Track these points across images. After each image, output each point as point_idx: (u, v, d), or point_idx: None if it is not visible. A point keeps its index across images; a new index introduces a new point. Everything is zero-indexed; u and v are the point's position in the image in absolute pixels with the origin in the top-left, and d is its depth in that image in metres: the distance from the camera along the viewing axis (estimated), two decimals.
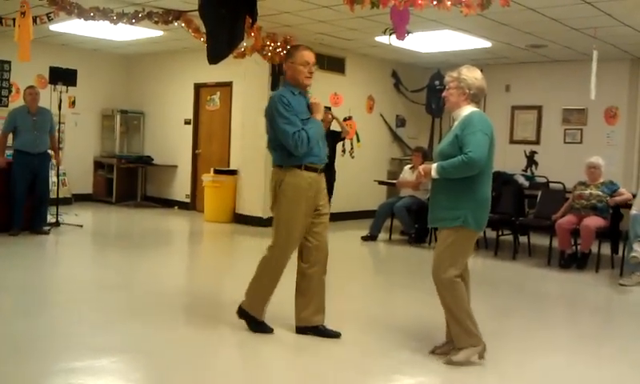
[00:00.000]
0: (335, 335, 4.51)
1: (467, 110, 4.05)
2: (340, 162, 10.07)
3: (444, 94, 4.20)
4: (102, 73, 12.57)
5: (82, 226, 9.14)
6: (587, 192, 7.63)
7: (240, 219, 10.45)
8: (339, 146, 10.18)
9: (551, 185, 9.67)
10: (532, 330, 5.17)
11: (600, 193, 7.57)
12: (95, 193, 12.66)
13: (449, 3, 5.50)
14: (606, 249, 7.89)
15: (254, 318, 4.51)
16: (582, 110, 10.86)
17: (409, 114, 12.65)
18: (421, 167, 4.19)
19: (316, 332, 4.49)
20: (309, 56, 4.36)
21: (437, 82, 11.81)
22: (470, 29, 8.80)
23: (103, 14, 7.92)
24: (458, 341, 4.06)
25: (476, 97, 4.10)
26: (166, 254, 8.22)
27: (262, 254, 4.47)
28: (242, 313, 4.56)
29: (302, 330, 4.48)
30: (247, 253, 8.60)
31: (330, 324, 4.59)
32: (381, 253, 8.92)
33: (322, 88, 10.82)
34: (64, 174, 11.36)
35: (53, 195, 9.19)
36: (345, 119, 10.77)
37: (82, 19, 7.87)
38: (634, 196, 7.63)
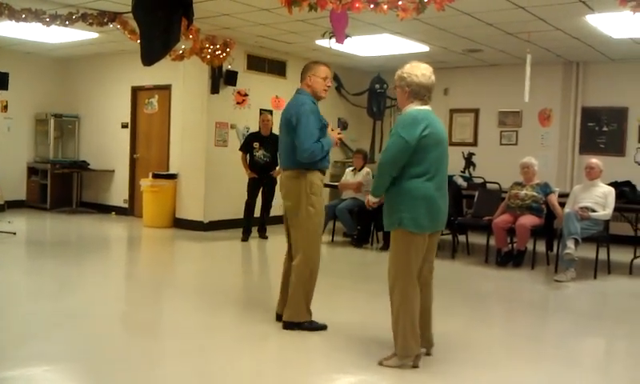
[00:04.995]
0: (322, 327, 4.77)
1: (407, 109, 4.00)
2: None
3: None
4: (36, 76, 12.19)
5: (15, 233, 8.84)
6: (523, 192, 7.83)
7: (180, 224, 10.31)
8: None
9: (488, 185, 9.89)
10: (471, 328, 5.26)
11: (535, 194, 7.77)
12: (29, 199, 12.27)
13: (385, 7, 5.52)
14: (541, 246, 8.13)
15: (303, 323, 4.69)
16: (517, 112, 11.16)
17: (350, 117, 12.74)
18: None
19: (301, 327, 4.71)
20: (327, 71, 4.75)
21: (377, 86, 12.00)
22: (408, 33, 8.93)
23: (35, 15, 7.67)
24: (395, 345, 4.05)
25: (418, 94, 3.98)
26: (103, 261, 8.02)
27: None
28: (289, 325, 4.69)
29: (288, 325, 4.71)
30: (188, 258, 8.48)
31: (273, 326, 4.57)
32: (323, 255, 8.89)
33: (263, 91, 10.81)
34: None
35: None
36: None
37: (14, 21, 7.62)
38: (567, 195, 7.88)
